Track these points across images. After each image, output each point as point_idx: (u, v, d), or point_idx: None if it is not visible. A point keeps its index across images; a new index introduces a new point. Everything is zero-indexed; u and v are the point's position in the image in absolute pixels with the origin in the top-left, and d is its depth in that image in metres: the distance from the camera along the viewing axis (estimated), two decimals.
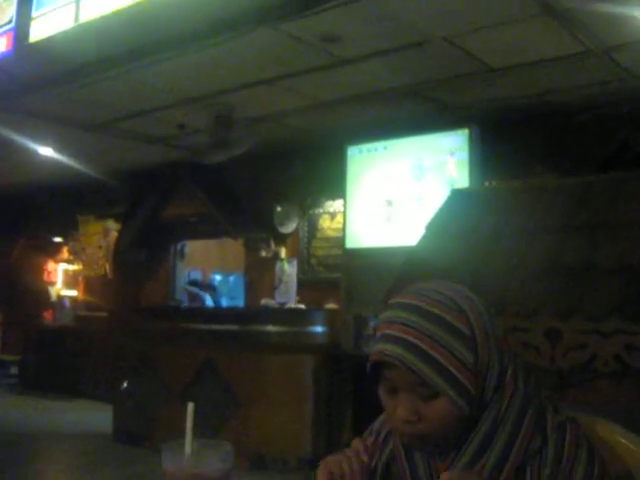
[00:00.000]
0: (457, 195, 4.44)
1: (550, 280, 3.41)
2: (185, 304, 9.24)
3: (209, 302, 9.31)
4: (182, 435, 1.11)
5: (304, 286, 8.06)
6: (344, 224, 7.12)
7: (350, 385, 5.90)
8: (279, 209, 8.13)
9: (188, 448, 1.09)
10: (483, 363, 1.20)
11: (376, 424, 1.48)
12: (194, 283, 9.60)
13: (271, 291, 8.19)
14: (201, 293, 9.20)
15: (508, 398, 1.22)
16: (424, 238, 4.19)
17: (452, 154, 6.47)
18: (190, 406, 1.11)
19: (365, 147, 7.01)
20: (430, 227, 4.23)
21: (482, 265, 3.68)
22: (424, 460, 1.29)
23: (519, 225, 3.85)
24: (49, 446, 7.20)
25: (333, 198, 7.86)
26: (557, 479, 1.20)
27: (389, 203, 6.74)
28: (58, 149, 8.23)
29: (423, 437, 1.23)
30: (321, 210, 8.09)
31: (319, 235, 8.08)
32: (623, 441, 1.41)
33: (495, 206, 4.12)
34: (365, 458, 1.27)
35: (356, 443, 1.31)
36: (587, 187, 3.93)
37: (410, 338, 1.18)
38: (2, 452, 6.42)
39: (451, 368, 1.17)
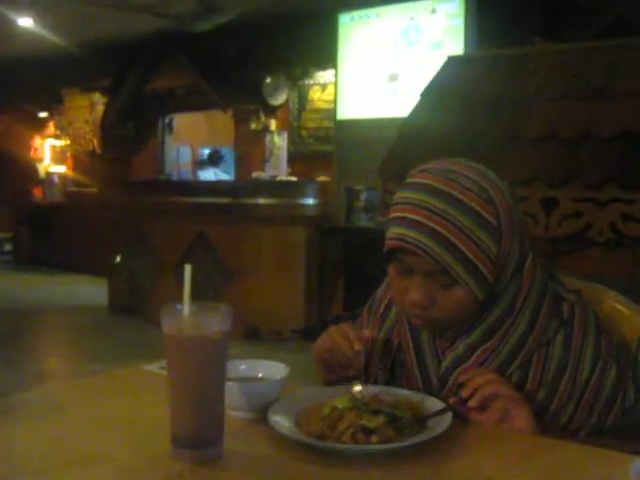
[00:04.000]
0: (453, 61, 4.31)
1: (547, 148, 3.37)
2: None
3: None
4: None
5: (295, 159, 7.98)
6: (335, 95, 6.95)
7: (341, 257, 5.95)
8: (268, 80, 7.94)
9: (187, 310, 1.07)
10: (504, 253, 1.19)
11: (377, 296, 1.47)
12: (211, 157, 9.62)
13: (262, 164, 8.12)
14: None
15: (528, 285, 1.22)
16: (419, 106, 4.10)
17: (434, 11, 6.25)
18: (187, 268, 1.08)
19: (357, 14, 6.75)
20: (425, 95, 4.12)
21: (479, 133, 3.62)
22: (429, 336, 1.30)
23: (516, 93, 3.76)
24: (46, 319, 7.32)
25: (324, 68, 7.65)
26: (568, 362, 1.21)
27: (393, 78, 6.53)
28: (38, 19, 7.92)
29: (434, 322, 1.23)
30: (311, 81, 7.90)
31: (309, 107, 7.92)
32: (621, 308, 1.42)
33: (492, 73, 4.01)
34: (359, 346, 1.27)
35: (347, 328, 1.31)
36: (586, 54, 3.81)
37: (437, 227, 1.14)
38: (0, 327, 6.53)
39: (474, 259, 1.15)
